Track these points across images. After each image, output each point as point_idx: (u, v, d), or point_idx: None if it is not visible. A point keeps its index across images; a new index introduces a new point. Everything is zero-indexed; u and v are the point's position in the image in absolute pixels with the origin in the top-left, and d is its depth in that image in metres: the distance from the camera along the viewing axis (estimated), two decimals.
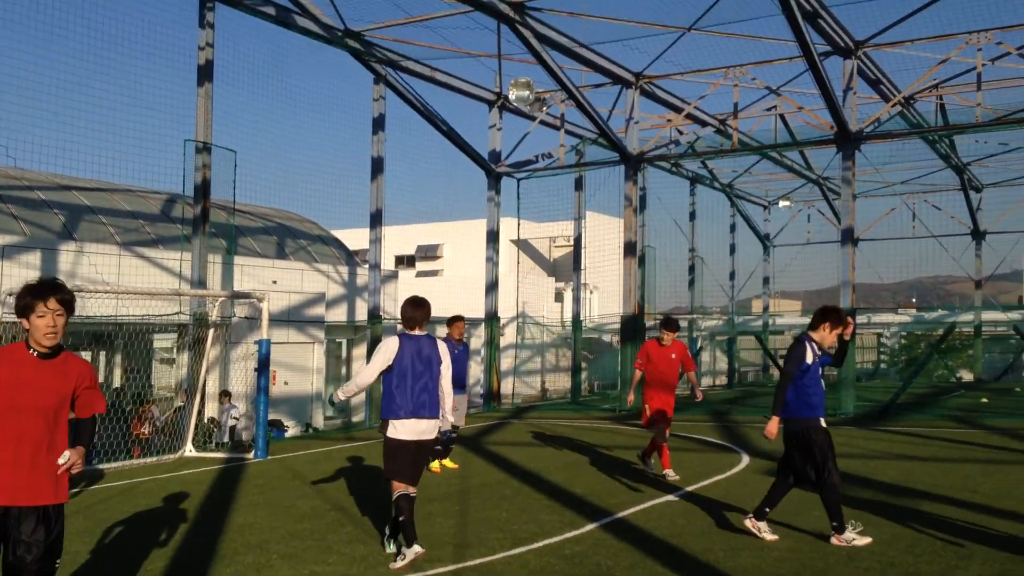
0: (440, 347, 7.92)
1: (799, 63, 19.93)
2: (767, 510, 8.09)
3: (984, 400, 24.68)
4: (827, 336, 8.12)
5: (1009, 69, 21.68)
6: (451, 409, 8.05)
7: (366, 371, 7.87)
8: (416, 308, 7.93)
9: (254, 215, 25.36)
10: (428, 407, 7.73)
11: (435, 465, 12.46)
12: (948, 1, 18.18)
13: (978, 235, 36.13)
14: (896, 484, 10.97)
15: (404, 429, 7.65)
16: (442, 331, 14.30)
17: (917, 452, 14.20)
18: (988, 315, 37.56)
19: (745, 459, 13.42)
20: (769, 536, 8.01)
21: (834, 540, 7.81)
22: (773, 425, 7.92)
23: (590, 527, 8.77)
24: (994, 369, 37.35)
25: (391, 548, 7.74)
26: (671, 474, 11.58)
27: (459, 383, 11.97)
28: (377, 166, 21.91)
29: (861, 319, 37.87)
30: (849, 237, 21.05)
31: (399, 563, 7.33)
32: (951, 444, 15.21)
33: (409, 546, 7.43)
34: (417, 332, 7.92)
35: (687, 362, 11.93)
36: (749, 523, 8.16)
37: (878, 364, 44.54)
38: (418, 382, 7.72)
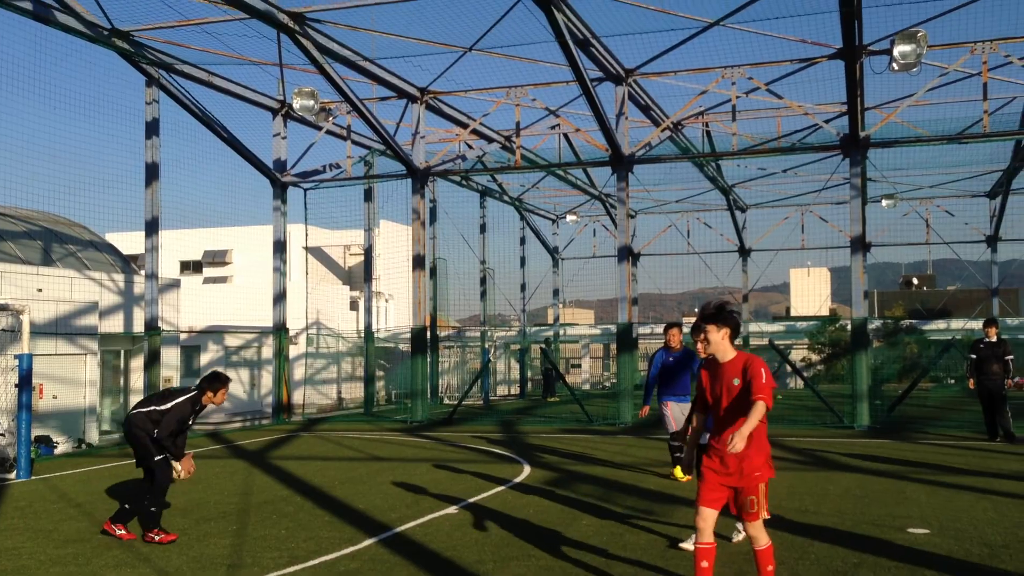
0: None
1: (575, 87, 20.72)
2: None
3: None
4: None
5: (762, 102, 23.52)
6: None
7: None
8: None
9: (16, 219, 23.72)
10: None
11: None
12: (705, 38, 19.39)
13: (744, 252, 38.84)
14: (659, 491, 11.68)
15: None
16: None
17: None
18: (754, 327, 40.34)
19: (527, 470, 13.83)
20: None
21: None
22: None
23: (368, 542, 8.87)
24: None
25: None
26: None
27: (682, 391, 12.25)
28: (152, 172, 20.89)
29: (644, 330, 39.85)
30: (625, 254, 22.01)
31: None
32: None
33: None
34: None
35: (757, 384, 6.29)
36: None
37: None
38: None
